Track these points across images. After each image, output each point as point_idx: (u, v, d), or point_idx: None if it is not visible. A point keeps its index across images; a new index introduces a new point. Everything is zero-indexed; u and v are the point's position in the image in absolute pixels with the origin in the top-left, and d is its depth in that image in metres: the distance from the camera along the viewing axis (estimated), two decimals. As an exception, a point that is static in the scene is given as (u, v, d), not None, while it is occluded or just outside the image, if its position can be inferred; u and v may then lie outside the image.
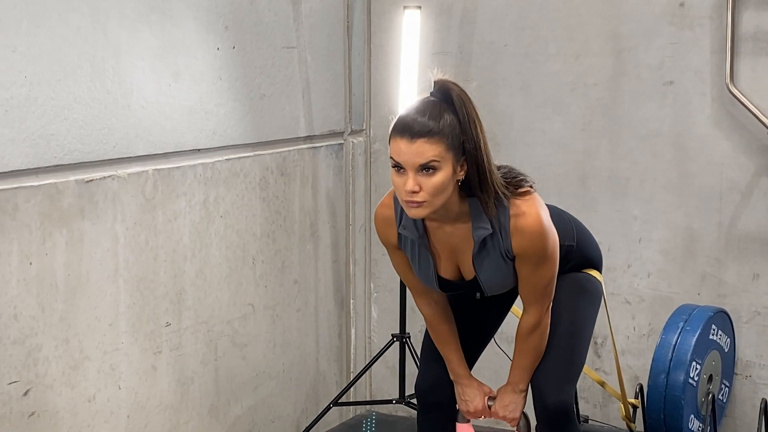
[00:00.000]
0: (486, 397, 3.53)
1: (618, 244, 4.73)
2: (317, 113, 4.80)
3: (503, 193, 3.19)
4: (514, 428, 3.54)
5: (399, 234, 3.35)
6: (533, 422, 3.52)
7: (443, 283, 3.41)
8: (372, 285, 5.17)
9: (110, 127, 3.82)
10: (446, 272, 3.39)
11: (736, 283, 4.60)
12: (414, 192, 3.08)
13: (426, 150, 3.06)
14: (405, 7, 4.68)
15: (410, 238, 3.35)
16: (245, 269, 4.44)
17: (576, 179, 4.77)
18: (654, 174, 4.69)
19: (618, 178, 4.74)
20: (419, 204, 3.10)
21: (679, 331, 4.29)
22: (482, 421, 3.71)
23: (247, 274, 4.45)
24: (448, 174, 3.10)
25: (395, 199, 3.31)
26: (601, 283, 3.59)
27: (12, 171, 3.49)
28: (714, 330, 4.39)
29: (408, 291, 4.76)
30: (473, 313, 3.59)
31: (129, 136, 3.90)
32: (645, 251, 4.72)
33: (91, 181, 3.76)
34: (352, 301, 5.10)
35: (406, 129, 3.08)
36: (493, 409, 3.52)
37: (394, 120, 3.16)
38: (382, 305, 5.16)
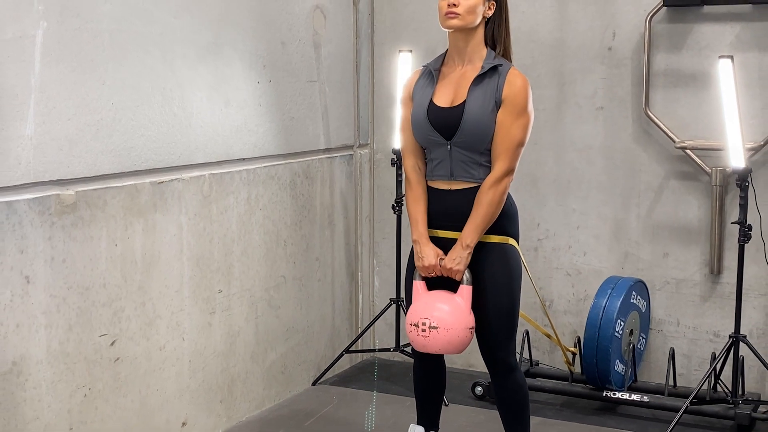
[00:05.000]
0: (438, 257, 3.30)
1: (561, 230, 4.73)
2: (333, 131, 4.79)
3: (509, 55, 3.37)
4: (459, 281, 3.29)
5: (419, 79, 3.41)
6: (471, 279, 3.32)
7: (432, 111, 3.33)
8: (375, 261, 5.17)
9: (176, 142, 3.81)
10: (440, 100, 3.34)
11: (650, 259, 4.60)
12: (454, 5, 3.24)
13: None
14: (400, 51, 4.68)
15: (428, 73, 3.39)
16: (279, 249, 4.44)
17: (530, 182, 4.77)
18: (589, 178, 4.68)
19: (561, 181, 4.74)
20: (455, 15, 3.25)
21: (607, 296, 4.30)
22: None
23: (280, 253, 4.45)
24: (480, 1, 3.27)
25: (422, 70, 3.43)
26: (519, 252, 3.39)
27: (102, 175, 3.49)
28: (634, 295, 4.40)
29: (402, 264, 4.78)
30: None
31: (190, 149, 3.89)
32: (581, 236, 4.72)
33: (162, 182, 3.75)
34: (359, 273, 5.09)
35: None
36: (443, 263, 3.29)
37: None
38: (383, 277, 5.16)
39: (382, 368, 5.00)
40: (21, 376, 3.24)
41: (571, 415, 4.34)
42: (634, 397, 4.29)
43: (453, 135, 3.29)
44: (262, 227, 4.31)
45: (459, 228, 3.31)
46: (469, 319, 3.28)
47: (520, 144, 3.28)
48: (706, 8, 4.39)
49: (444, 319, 3.24)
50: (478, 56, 3.32)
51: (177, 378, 3.87)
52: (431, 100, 3.34)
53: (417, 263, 3.37)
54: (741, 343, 4.11)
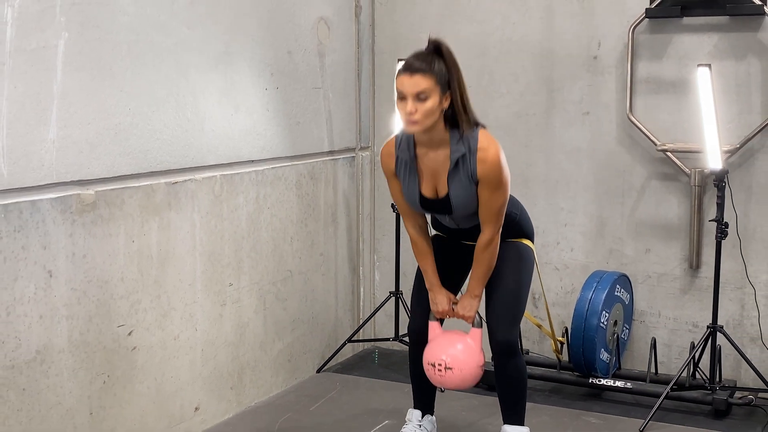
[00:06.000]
0: (450, 302, 3.47)
1: (550, 227, 4.73)
2: (336, 135, 4.80)
3: (474, 122, 3.26)
4: (470, 324, 3.46)
5: (396, 162, 3.36)
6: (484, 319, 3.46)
7: (423, 201, 3.36)
8: (375, 257, 5.17)
9: (189, 145, 3.82)
10: (427, 191, 3.34)
11: (633, 255, 4.60)
12: (411, 113, 3.16)
13: (421, 82, 3.15)
14: (399, 59, 4.66)
15: (404, 162, 3.34)
16: (285, 245, 4.44)
17: (521, 182, 4.77)
18: (576, 178, 4.69)
19: (550, 181, 4.74)
20: (415, 122, 3.17)
21: (593, 289, 4.30)
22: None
23: (287, 249, 4.45)
24: (436, 102, 3.17)
25: (395, 141, 3.36)
26: (533, 251, 3.53)
27: (120, 176, 3.49)
28: (618, 288, 4.40)
29: (401, 259, 4.79)
30: (450, 258, 3.54)
31: (203, 151, 3.90)
32: (569, 233, 4.72)
33: (176, 183, 3.76)
34: (361, 268, 5.10)
35: (408, 68, 3.19)
36: (455, 309, 3.47)
37: (401, 64, 3.26)
38: (383, 271, 5.16)
39: (382, 356, 5.00)
40: (44, 364, 3.24)
41: (559, 400, 4.34)
42: (618, 383, 4.29)
43: (449, 214, 3.39)
44: (270, 225, 4.32)
45: (473, 240, 3.42)
46: (480, 358, 3.44)
47: (503, 206, 3.32)
48: (686, 20, 4.39)
49: (458, 359, 3.39)
50: (444, 140, 3.26)
51: (190, 366, 3.88)
52: (420, 191, 3.36)
53: (432, 307, 3.50)
54: (718, 333, 4.11)
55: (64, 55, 3.24)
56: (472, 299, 3.43)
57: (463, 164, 3.24)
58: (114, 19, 3.42)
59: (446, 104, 3.19)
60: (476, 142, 3.22)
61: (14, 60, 3.07)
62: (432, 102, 3.14)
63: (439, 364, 3.39)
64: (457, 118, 3.22)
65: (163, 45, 3.64)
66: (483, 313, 3.47)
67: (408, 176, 3.35)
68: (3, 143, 3.06)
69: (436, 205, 3.36)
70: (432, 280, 3.48)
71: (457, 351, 3.40)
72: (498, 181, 3.24)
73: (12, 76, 3.07)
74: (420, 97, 3.14)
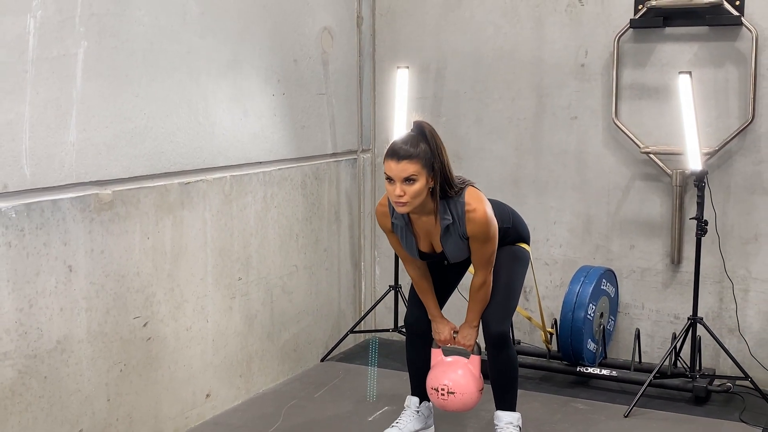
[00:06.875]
0: (451, 331, 3.55)
1: (540, 225, 4.74)
2: (339, 138, 4.80)
3: (458, 190, 3.25)
4: (470, 351, 3.54)
5: (392, 226, 3.39)
6: (483, 349, 3.54)
7: (422, 255, 3.42)
8: (376, 252, 5.18)
9: (201, 148, 3.83)
10: (424, 247, 3.40)
11: (618, 251, 4.61)
12: (400, 196, 3.15)
13: (408, 168, 3.14)
14: (398, 67, 4.69)
15: (400, 227, 3.38)
16: (291, 242, 4.45)
17: (512, 182, 4.78)
18: (564, 179, 4.69)
19: (540, 182, 4.75)
20: (404, 204, 3.18)
21: (580, 283, 4.31)
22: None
23: (293, 245, 4.46)
24: (423, 184, 3.17)
25: (389, 207, 3.36)
26: (528, 252, 3.58)
27: (136, 176, 3.50)
28: (604, 282, 4.41)
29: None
30: (443, 273, 3.59)
31: (213, 153, 3.90)
32: (558, 230, 4.73)
33: (189, 183, 3.77)
34: (362, 263, 5.10)
35: (394, 153, 3.16)
36: (456, 338, 3.54)
37: (387, 147, 3.22)
38: (383, 266, 5.17)
39: (382, 346, 5.01)
40: (64, 353, 3.25)
41: (549, 388, 4.35)
42: (604, 372, 4.30)
43: (447, 262, 3.45)
44: (277, 222, 4.33)
45: None
46: (479, 383, 3.50)
47: (493, 253, 3.36)
48: (668, 30, 4.40)
49: (459, 384, 3.44)
50: (432, 210, 3.28)
51: (201, 355, 3.89)
52: (418, 249, 3.40)
53: (434, 336, 3.57)
54: (698, 325, 4.12)
55: (83, 63, 3.25)
56: (471, 329, 3.49)
57: (453, 228, 3.29)
58: (130, 29, 3.43)
59: (432, 183, 3.20)
60: (463, 206, 3.25)
61: (36, 67, 3.08)
62: (419, 184, 3.16)
63: (442, 389, 3.44)
64: (444, 191, 3.23)
65: (176, 53, 3.65)
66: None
67: (405, 237, 3.40)
68: (26, 146, 3.07)
69: (434, 257, 3.43)
70: (434, 312, 3.55)
71: (458, 376, 3.46)
72: (487, 236, 3.29)
73: (34, 83, 3.08)
74: (407, 180, 3.15)
